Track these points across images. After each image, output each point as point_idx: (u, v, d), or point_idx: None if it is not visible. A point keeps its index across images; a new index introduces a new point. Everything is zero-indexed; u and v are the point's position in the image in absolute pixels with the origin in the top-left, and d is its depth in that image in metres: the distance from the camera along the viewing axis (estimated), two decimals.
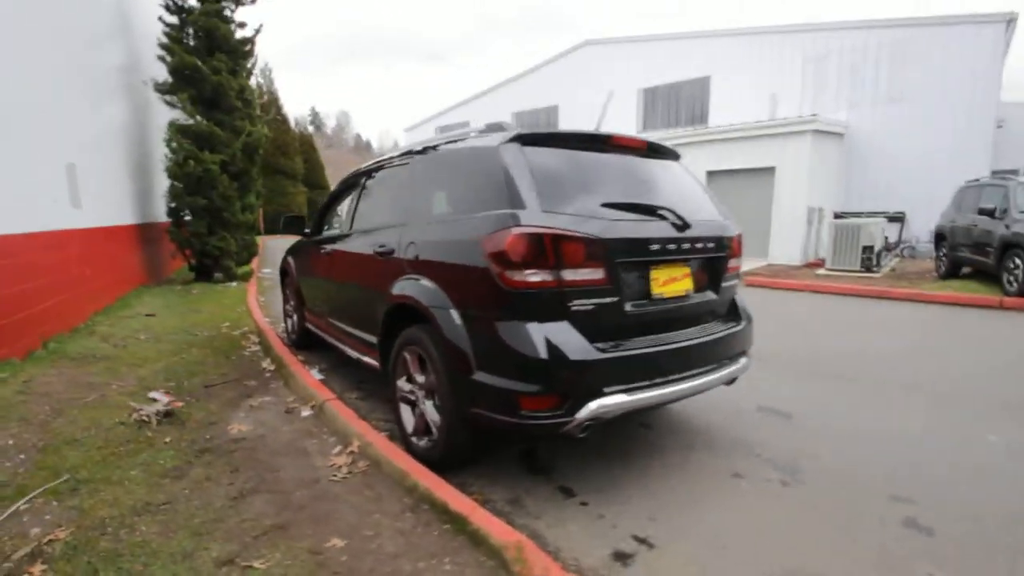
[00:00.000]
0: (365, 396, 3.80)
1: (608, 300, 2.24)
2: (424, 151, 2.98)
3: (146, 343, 4.98)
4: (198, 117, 8.61)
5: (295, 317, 5.05)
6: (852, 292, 8.57)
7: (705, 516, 2.24)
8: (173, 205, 8.72)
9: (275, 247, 18.73)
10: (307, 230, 4.57)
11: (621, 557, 1.96)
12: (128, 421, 3.12)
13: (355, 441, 2.84)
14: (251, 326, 5.83)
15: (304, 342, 4.96)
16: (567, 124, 21.41)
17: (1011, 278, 7.32)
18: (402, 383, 2.83)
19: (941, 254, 9.88)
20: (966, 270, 9.40)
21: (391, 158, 3.42)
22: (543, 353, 2.08)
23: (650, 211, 2.44)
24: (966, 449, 2.90)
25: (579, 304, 2.18)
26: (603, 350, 2.17)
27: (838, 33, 15.25)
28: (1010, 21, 13.32)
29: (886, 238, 12.51)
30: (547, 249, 2.12)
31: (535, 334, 2.12)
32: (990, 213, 7.87)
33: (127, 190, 7.97)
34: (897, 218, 13.68)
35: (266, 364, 4.49)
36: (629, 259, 2.30)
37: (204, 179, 8.51)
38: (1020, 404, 3.56)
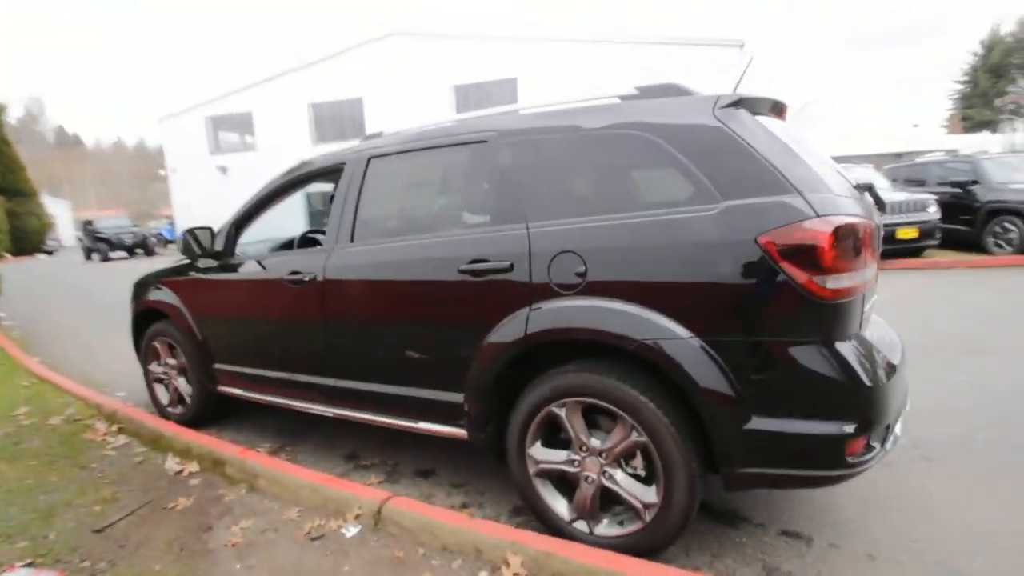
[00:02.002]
0: (424, 474, 2.64)
1: (870, 301, 1.84)
2: (518, 132, 2.09)
3: None
4: None
5: (180, 382, 3.38)
6: None
7: None
8: None
9: None
10: (217, 248, 3.03)
11: None
12: None
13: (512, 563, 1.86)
14: (81, 407, 3.72)
15: (206, 414, 3.35)
16: (374, 121, 20.03)
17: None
18: (545, 454, 1.97)
19: None
20: None
21: (426, 141, 2.37)
22: (868, 379, 1.58)
23: (858, 189, 2.07)
24: None
25: (866, 309, 1.73)
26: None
27: (621, 46, 17.39)
28: (742, 46, 16.93)
29: None
30: (861, 243, 1.62)
31: (853, 355, 1.60)
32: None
33: None
34: None
35: (172, 463, 2.84)
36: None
37: None
38: None
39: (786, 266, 1.56)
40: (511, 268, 1.96)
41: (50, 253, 28.17)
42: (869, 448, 1.63)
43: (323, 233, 3.70)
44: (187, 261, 3.28)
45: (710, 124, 1.75)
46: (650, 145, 1.81)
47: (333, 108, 21.03)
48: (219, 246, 3.03)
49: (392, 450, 2.89)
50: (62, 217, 43.08)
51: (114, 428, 3.33)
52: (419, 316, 2.23)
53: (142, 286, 3.57)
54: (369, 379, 2.44)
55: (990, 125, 39.76)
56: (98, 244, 20.52)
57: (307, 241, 3.49)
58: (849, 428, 1.58)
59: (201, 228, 3.03)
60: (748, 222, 1.61)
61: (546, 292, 1.89)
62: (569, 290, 1.85)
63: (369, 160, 2.51)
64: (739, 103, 1.79)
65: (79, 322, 7.42)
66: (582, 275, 1.83)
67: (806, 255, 1.55)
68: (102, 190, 69.78)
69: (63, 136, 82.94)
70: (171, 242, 25.92)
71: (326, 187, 3.61)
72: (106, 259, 20.24)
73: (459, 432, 2.20)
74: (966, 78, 42.79)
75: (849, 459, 1.59)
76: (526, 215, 1.99)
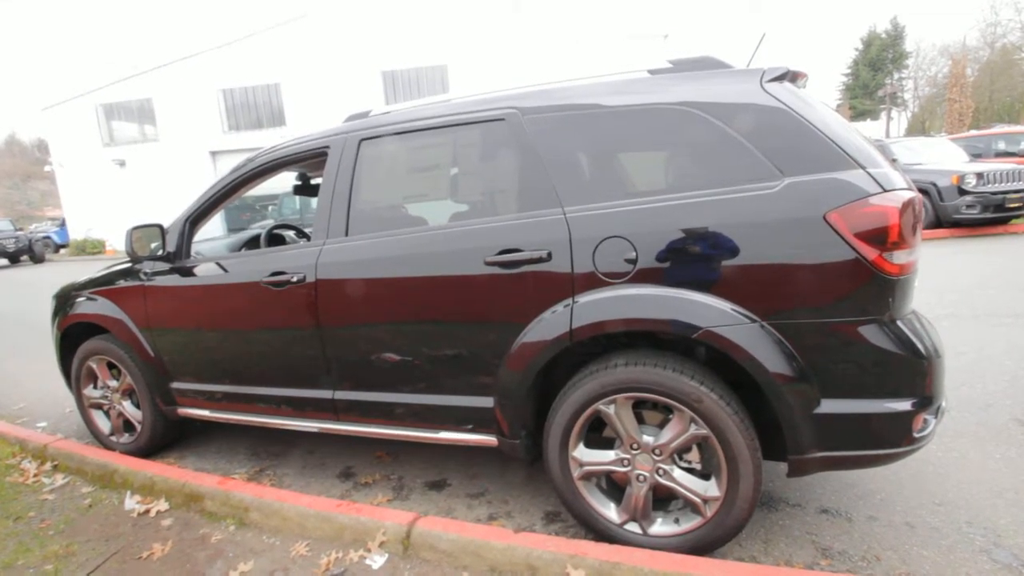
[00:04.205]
0: (436, 486, 2.40)
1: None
2: (544, 109, 1.90)
3: None
4: None
5: (126, 406, 2.92)
6: None
7: None
8: None
9: None
10: (168, 250, 2.60)
11: None
12: None
13: None
14: None
15: (161, 441, 2.93)
16: (295, 108, 18.84)
17: None
18: (590, 455, 1.84)
19: None
20: None
21: (428, 121, 2.12)
22: (929, 353, 1.58)
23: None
24: None
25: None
26: None
27: (557, 35, 17.39)
28: (666, 36, 17.48)
29: None
30: (917, 218, 1.60)
31: (915, 330, 1.59)
32: None
33: None
34: None
35: (132, 503, 2.42)
36: None
37: None
38: None
39: (856, 243, 1.51)
40: (549, 257, 1.79)
41: None
42: (926, 422, 1.64)
43: (292, 229, 3.35)
44: (126, 266, 2.82)
45: (761, 98, 1.67)
46: (698, 121, 1.71)
47: (248, 94, 19.51)
48: (171, 246, 2.61)
49: (392, 463, 2.65)
50: None
51: (47, 466, 2.82)
52: (437, 315, 2.01)
53: (66, 299, 3.04)
54: (377, 388, 2.18)
55: (871, 114, 44.10)
56: None
57: (276, 239, 3.12)
58: (914, 404, 1.57)
59: (148, 226, 2.60)
60: (814, 199, 1.54)
61: (591, 282, 1.75)
62: (618, 278, 1.71)
63: (361, 142, 2.22)
64: (785, 75, 1.72)
65: None
66: (632, 262, 1.69)
67: (876, 231, 1.51)
68: None
69: None
70: (63, 246, 23.07)
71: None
72: None
73: (488, 440, 2.02)
74: (848, 71, 47.05)
75: (915, 434, 1.59)
76: (560, 199, 1.83)
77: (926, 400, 1.59)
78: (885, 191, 1.52)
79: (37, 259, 19.29)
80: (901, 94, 43.72)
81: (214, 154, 19.48)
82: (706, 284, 1.63)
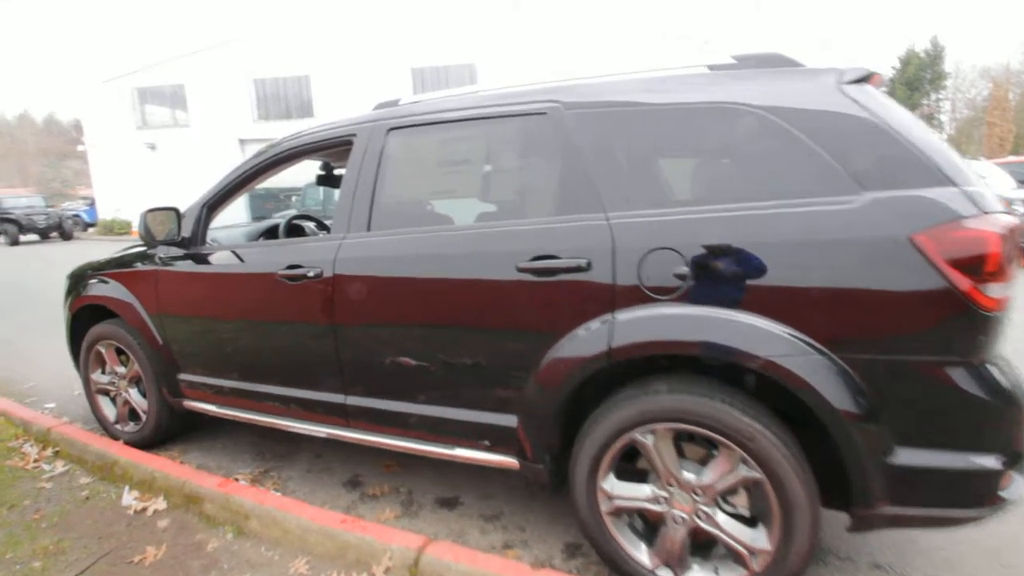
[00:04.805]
0: (447, 504, 2.25)
1: None
2: (592, 105, 1.74)
3: None
4: None
5: (132, 394, 2.82)
6: None
7: None
8: None
9: None
10: (183, 235, 2.49)
11: None
12: None
13: None
14: (1, 426, 3.05)
15: (166, 433, 2.82)
16: (323, 101, 18.93)
17: None
18: (622, 489, 1.66)
19: None
20: None
21: (463, 112, 1.96)
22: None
23: None
24: None
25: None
26: None
27: (590, 36, 17.19)
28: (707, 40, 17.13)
29: None
30: (1018, 246, 1.40)
31: (1008, 375, 1.39)
32: None
33: None
34: None
35: (130, 499, 2.31)
36: None
37: None
38: None
39: (947, 270, 1.31)
40: (588, 267, 1.62)
41: None
42: (1015, 482, 1.43)
43: (312, 221, 3.24)
44: (140, 249, 2.72)
45: (838, 101, 1.48)
46: (766, 125, 1.52)
47: (278, 85, 19.70)
48: (187, 232, 2.50)
49: (403, 474, 2.50)
50: None
51: (49, 452, 2.73)
52: (460, 321, 1.85)
53: (79, 279, 2.96)
54: (390, 396, 2.04)
55: None
56: (5, 226, 18.27)
57: (295, 229, 3.00)
58: (1003, 460, 1.37)
59: (164, 209, 2.49)
60: (899, 218, 1.35)
61: (634, 297, 1.58)
62: (666, 294, 1.54)
63: (389, 132, 2.08)
64: (866, 77, 1.53)
65: None
66: (683, 277, 1.52)
67: (971, 259, 1.31)
68: (5, 166, 63.05)
69: None
70: (91, 225, 23.54)
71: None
72: (15, 243, 18.07)
73: (508, 462, 1.85)
74: (884, 89, 45.91)
75: (1001, 495, 1.38)
76: (603, 203, 1.66)
77: (1016, 456, 1.39)
78: (983, 213, 1.33)
79: (66, 236, 19.71)
80: (938, 116, 42.60)
81: (243, 142, 19.67)
82: (766, 307, 1.45)
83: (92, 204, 23.82)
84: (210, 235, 2.63)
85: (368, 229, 2.05)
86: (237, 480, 2.42)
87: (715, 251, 1.49)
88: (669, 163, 1.71)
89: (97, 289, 2.81)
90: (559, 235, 1.69)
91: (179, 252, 2.52)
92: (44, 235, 19.15)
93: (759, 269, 1.45)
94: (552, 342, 1.68)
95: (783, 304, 1.43)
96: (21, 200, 19.94)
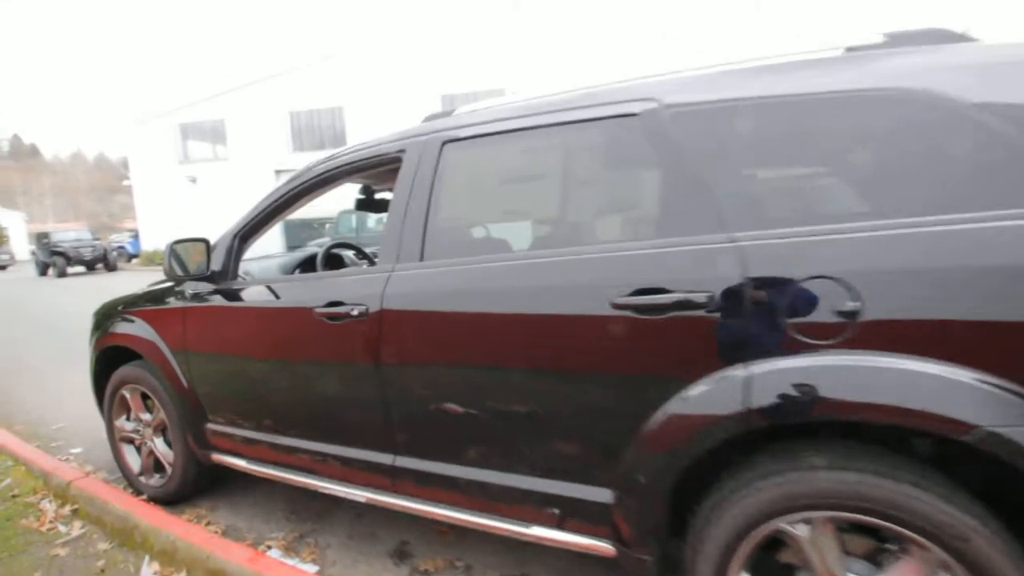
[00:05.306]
0: None
1: None
2: (700, 103, 1.40)
3: None
4: None
5: (158, 444, 2.56)
6: None
7: None
8: None
9: None
10: (213, 268, 2.24)
11: None
12: None
13: None
14: (20, 476, 2.80)
15: (193, 488, 2.54)
16: (356, 130, 19.21)
17: None
18: None
19: None
20: None
21: (533, 118, 1.64)
22: None
23: None
24: None
25: None
26: None
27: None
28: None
29: None
30: None
31: None
32: None
33: None
34: None
35: (150, 572, 2.01)
36: None
37: None
38: None
39: None
40: (710, 303, 1.26)
41: (2, 268, 26.23)
42: None
43: (351, 248, 2.97)
44: (167, 284, 2.48)
45: None
46: (948, 117, 1.15)
47: (312, 117, 20.17)
48: (217, 265, 2.25)
49: (459, 543, 2.13)
50: (16, 230, 40.62)
51: (67, 510, 2.47)
52: (537, 370, 1.51)
53: (105, 316, 2.74)
54: (446, 457, 1.69)
55: None
56: (54, 258, 18.98)
57: (333, 260, 2.72)
58: None
59: (192, 240, 2.24)
60: None
61: (778, 341, 1.20)
62: (826, 338, 1.16)
63: (444, 145, 1.78)
64: None
65: (29, 350, 6.37)
66: (851, 315, 1.14)
67: None
68: (60, 202, 66.74)
69: (19, 145, 79.24)
70: (135, 256, 24.32)
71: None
72: (63, 274, 18.71)
73: (600, 546, 1.47)
74: None
75: None
76: (725, 221, 1.30)
77: None
78: None
79: (110, 268, 20.33)
80: None
81: (278, 173, 20.09)
82: (975, 358, 1.05)
83: (136, 236, 24.65)
84: (242, 268, 2.37)
85: (421, 259, 1.73)
86: (269, 549, 2.11)
87: (900, 280, 1.11)
88: (810, 167, 1.35)
89: (122, 328, 2.58)
90: (667, 262, 1.33)
91: (209, 287, 2.27)
92: (90, 267, 19.79)
93: (967, 305, 1.06)
94: (662, 396, 1.32)
95: (996, 353, 1.04)
96: (69, 234, 20.74)
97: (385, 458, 1.82)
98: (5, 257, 26.94)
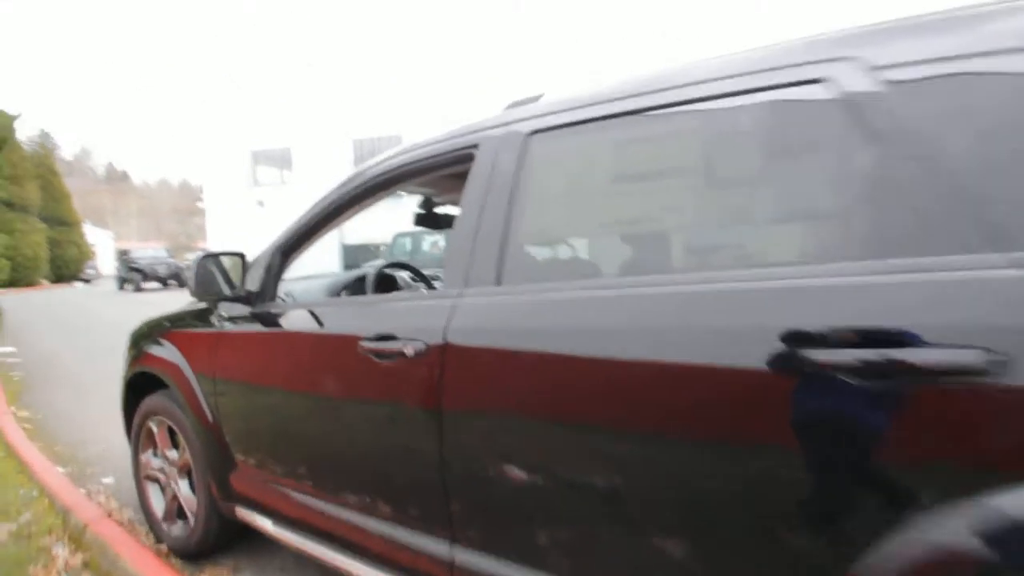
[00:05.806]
0: None
1: None
2: (923, 62, 0.91)
3: None
4: None
5: (182, 487, 2.23)
6: None
7: None
8: None
9: (14, 310, 13.03)
10: (250, 289, 1.91)
11: None
12: None
13: None
14: (41, 510, 2.55)
15: (216, 541, 2.18)
16: None
17: None
18: None
19: None
20: None
21: (662, 95, 1.19)
22: None
23: None
24: None
25: None
26: None
27: None
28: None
29: None
30: None
31: None
32: None
33: None
34: None
35: None
36: None
37: None
38: None
39: None
40: (991, 369, 0.75)
41: (87, 281, 28.27)
42: None
43: (407, 269, 2.60)
44: (204, 306, 2.17)
45: None
46: None
47: (373, 144, 20.84)
48: (254, 284, 1.92)
49: None
50: (104, 247, 44.16)
51: (77, 560, 2.16)
52: (668, 435, 1.03)
53: (141, 338, 2.48)
54: (531, 554, 1.22)
55: None
56: (132, 274, 20.25)
57: (386, 283, 2.36)
58: None
59: (227, 254, 1.94)
60: None
61: None
62: None
63: (530, 137, 1.37)
64: None
65: (91, 363, 6.44)
66: None
67: None
68: (144, 222, 72.44)
69: (112, 171, 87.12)
70: None
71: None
72: (139, 289, 19.88)
73: None
74: None
75: None
76: (992, 231, 0.80)
77: None
78: None
79: (183, 284, 21.44)
80: None
81: None
82: None
83: None
84: (283, 288, 2.03)
85: (498, 283, 1.31)
86: None
87: None
88: None
89: (153, 351, 2.30)
90: (894, 298, 0.84)
91: (244, 311, 1.94)
92: (164, 283, 20.91)
93: None
94: (904, 506, 0.81)
95: None
96: (147, 252, 22.14)
97: (439, 546, 1.37)
98: (91, 272, 29.09)
